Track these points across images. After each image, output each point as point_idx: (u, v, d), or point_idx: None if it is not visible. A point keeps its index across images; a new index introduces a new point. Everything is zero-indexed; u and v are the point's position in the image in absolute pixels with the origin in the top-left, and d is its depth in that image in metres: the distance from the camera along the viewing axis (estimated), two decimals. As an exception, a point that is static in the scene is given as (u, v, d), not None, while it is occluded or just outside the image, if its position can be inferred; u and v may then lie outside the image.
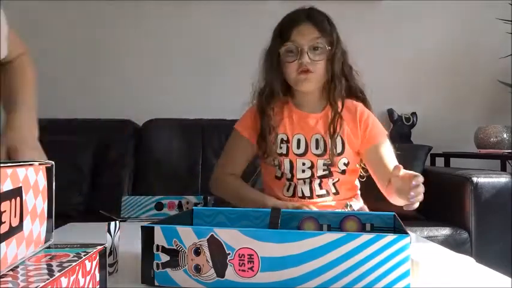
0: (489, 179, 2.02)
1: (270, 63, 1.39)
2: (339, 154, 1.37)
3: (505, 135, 2.51)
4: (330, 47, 1.35)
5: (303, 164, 1.37)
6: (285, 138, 1.39)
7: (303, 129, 1.40)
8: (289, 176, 1.38)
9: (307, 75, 1.34)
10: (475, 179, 2.00)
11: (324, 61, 1.35)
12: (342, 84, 1.39)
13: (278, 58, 1.37)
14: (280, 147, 1.38)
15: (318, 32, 1.34)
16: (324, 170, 1.37)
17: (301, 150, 1.38)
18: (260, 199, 1.33)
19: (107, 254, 0.64)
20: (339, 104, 1.39)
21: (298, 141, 1.38)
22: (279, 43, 1.35)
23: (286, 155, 1.38)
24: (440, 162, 2.71)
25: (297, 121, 1.41)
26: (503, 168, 2.41)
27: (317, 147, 1.37)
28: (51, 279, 0.46)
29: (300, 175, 1.37)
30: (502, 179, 2.04)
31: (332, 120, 1.37)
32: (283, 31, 1.35)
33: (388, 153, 1.35)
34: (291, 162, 1.37)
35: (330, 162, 1.36)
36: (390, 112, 2.80)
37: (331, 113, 1.39)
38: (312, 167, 1.37)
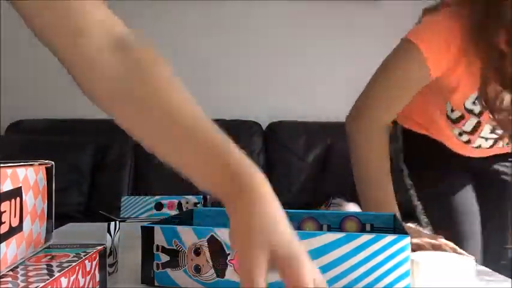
0: (489, 179, 2.02)
1: None
2: None
3: (505, 136, 2.51)
4: None
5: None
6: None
7: None
8: (465, 139, 1.19)
9: None
10: (475, 179, 2.00)
11: None
12: None
13: None
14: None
15: None
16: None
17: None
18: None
19: (107, 254, 0.64)
20: None
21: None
22: None
23: (478, 115, 1.12)
24: (440, 162, 2.70)
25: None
26: (503, 169, 2.41)
27: None
28: (51, 279, 0.46)
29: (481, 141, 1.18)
30: (502, 179, 2.03)
31: None
32: None
33: None
34: (478, 124, 1.14)
35: None
36: (390, 112, 2.80)
37: None
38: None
